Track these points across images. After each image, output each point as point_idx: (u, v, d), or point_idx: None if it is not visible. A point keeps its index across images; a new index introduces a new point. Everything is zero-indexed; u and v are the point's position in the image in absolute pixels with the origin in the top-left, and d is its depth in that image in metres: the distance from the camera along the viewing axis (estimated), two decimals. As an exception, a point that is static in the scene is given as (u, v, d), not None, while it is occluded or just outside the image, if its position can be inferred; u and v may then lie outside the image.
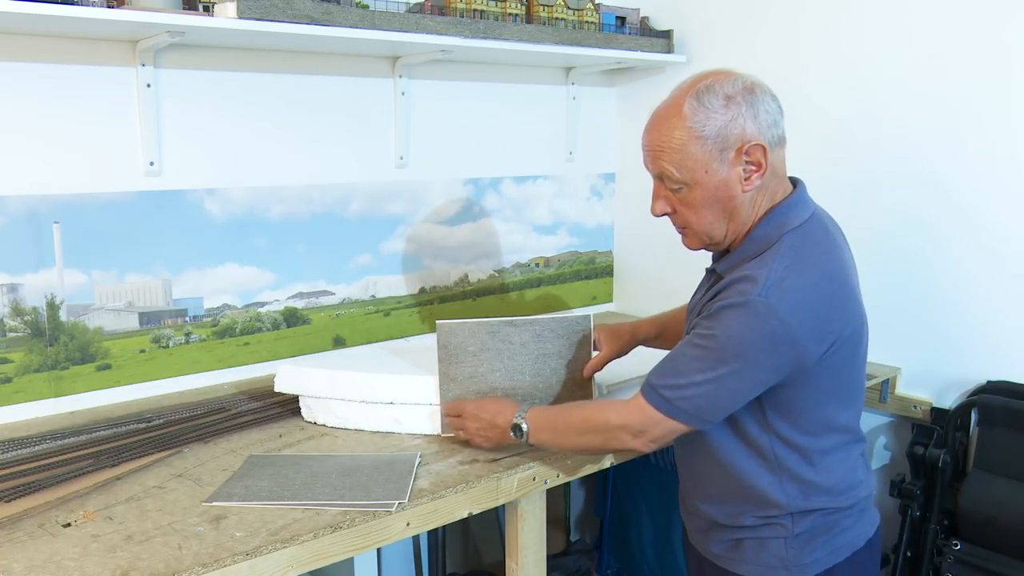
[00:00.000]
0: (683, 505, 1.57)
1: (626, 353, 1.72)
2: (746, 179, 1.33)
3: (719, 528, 1.45)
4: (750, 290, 1.27)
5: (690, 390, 1.32)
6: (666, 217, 1.44)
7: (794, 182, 1.42)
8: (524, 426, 1.49)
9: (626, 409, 1.39)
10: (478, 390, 1.64)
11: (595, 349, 1.70)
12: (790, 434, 1.36)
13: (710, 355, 1.30)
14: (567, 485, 2.74)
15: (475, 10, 2.16)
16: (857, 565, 1.43)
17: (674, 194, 1.38)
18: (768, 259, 1.30)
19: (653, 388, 1.36)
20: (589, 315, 1.70)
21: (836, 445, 1.39)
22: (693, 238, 1.43)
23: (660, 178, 1.39)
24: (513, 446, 1.58)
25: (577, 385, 1.67)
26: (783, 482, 1.37)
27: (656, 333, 1.74)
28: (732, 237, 1.39)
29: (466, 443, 1.62)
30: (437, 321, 1.65)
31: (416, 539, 2.45)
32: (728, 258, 1.40)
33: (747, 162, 1.32)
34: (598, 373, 1.71)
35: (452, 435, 1.65)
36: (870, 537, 1.45)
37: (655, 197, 1.42)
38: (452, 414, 1.62)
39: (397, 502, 1.37)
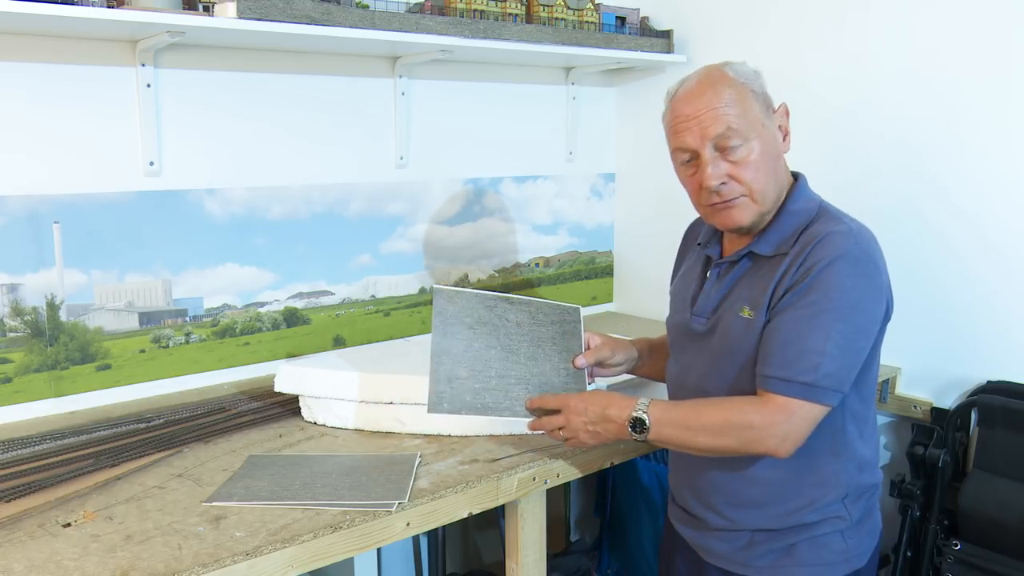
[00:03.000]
0: (696, 525, 1.47)
1: (617, 355, 1.65)
2: (784, 140, 1.39)
3: (766, 536, 1.38)
4: (842, 243, 1.27)
5: (825, 362, 1.25)
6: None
7: (795, 175, 1.45)
8: (647, 419, 1.36)
9: (767, 409, 1.28)
10: (472, 367, 1.55)
11: (587, 347, 1.64)
12: (854, 402, 1.34)
13: (827, 316, 1.25)
14: (567, 485, 2.74)
15: (475, 10, 2.16)
16: (878, 548, 1.44)
17: (729, 157, 1.33)
18: (829, 220, 1.34)
19: (787, 381, 1.26)
20: (578, 307, 1.66)
21: (873, 413, 1.40)
22: (748, 207, 1.36)
23: (716, 143, 1.33)
24: (611, 442, 1.48)
25: (570, 375, 1.61)
26: (843, 460, 1.34)
27: (647, 350, 1.70)
28: (773, 208, 1.39)
29: (565, 440, 1.49)
30: (434, 285, 1.58)
31: (416, 539, 2.45)
32: (768, 237, 1.38)
33: (779, 125, 1.39)
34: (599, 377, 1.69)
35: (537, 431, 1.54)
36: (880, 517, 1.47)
37: (709, 168, 1.34)
38: (548, 408, 1.48)
39: (397, 502, 1.37)
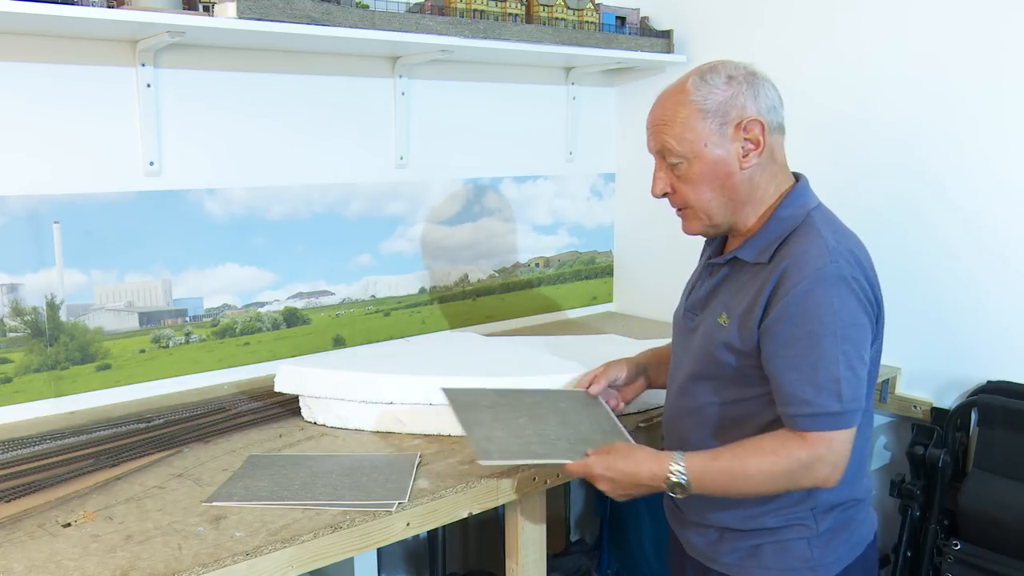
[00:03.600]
0: (678, 519, 1.51)
1: (624, 374, 1.65)
2: (744, 156, 1.34)
3: (733, 535, 1.40)
4: (821, 264, 1.26)
5: (844, 387, 1.26)
6: (664, 214, 1.45)
7: (797, 176, 1.43)
8: (686, 482, 1.31)
9: (808, 444, 1.27)
10: (507, 429, 1.50)
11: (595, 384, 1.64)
12: None
13: (830, 341, 1.25)
14: (567, 485, 2.74)
15: (475, 10, 2.16)
16: (868, 560, 1.43)
17: (673, 171, 1.38)
18: (809, 233, 1.32)
19: (815, 416, 1.26)
20: (583, 391, 1.64)
21: (863, 429, 1.36)
22: (693, 220, 1.41)
23: (661, 155, 1.39)
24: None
25: (607, 434, 1.52)
26: None
27: (653, 360, 1.68)
28: (733, 219, 1.39)
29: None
30: (441, 388, 1.58)
31: (416, 539, 2.45)
32: (753, 242, 1.37)
33: (745, 139, 1.33)
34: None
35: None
36: (876, 530, 1.45)
37: (655, 177, 1.41)
38: (582, 474, 1.43)
39: (397, 502, 1.37)
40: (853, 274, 1.28)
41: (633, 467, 1.35)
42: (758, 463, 1.30)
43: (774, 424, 1.33)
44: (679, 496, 1.34)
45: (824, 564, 1.37)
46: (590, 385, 1.64)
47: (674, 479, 1.32)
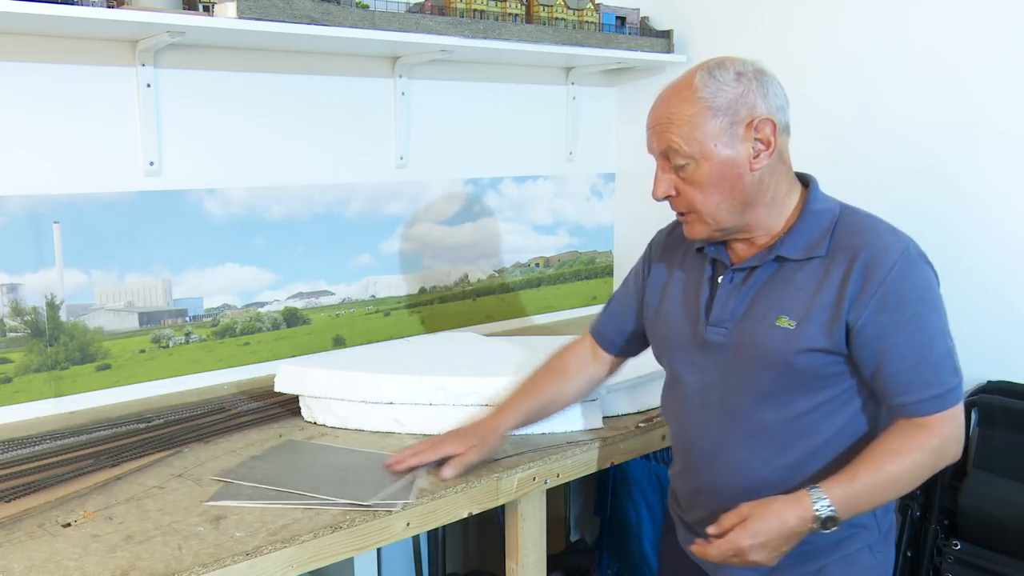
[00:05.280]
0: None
1: (487, 446, 1.51)
2: (755, 157, 1.27)
3: (791, 561, 1.27)
4: (902, 246, 1.26)
5: (956, 359, 1.26)
6: (664, 215, 1.39)
7: (803, 177, 1.38)
8: (834, 511, 1.21)
9: (937, 429, 1.24)
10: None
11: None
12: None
13: (933, 318, 1.26)
14: (567, 485, 2.73)
15: (475, 10, 2.16)
16: (892, 555, 1.40)
17: (679, 173, 1.30)
18: (865, 223, 1.30)
19: (940, 396, 1.23)
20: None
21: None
22: (697, 224, 1.33)
23: (665, 156, 1.31)
24: None
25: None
26: None
27: (522, 420, 1.57)
28: (742, 222, 1.31)
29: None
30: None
31: (416, 539, 2.45)
32: (795, 239, 1.30)
33: (756, 139, 1.27)
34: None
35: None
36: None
37: (657, 179, 1.33)
38: (728, 556, 1.26)
39: (397, 502, 1.37)
40: (924, 255, 1.29)
41: (778, 523, 1.22)
42: (899, 467, 1.23)
43: (844, 430, 1.29)
44: (832, 529, 1.22)
45: (884, 569, 1.32)
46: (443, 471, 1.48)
47: (824, 514, 1.21)
